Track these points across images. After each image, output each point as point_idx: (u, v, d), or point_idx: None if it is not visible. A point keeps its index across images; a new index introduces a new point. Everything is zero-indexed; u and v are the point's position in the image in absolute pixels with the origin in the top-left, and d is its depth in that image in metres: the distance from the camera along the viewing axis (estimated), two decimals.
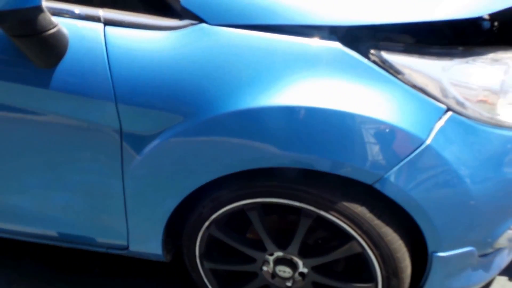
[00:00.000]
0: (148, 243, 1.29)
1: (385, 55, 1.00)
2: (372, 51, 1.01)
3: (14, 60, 1.07)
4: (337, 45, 0.99)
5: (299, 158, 1.01)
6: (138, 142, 1.09)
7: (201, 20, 1.02)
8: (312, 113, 0.97)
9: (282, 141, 1.01)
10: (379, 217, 1.06)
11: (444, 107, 0.98)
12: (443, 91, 0.99)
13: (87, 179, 1.21)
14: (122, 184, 1.16)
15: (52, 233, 1.39)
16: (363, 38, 1.01)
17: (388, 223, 1.07)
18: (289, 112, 0.98)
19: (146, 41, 1.03)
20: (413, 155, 0.97)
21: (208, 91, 1.01)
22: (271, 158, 1.02)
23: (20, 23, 0.96)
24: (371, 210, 1.06)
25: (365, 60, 0.99)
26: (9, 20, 0.95)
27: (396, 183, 0.99)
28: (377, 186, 1.00)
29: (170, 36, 1.03)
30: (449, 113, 0.98)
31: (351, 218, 1.06)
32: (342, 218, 1.07)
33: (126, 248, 1.33)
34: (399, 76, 0.98)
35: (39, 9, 0.97)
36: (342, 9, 1.00)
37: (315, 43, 0.99)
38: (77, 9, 1.06)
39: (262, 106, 0.98)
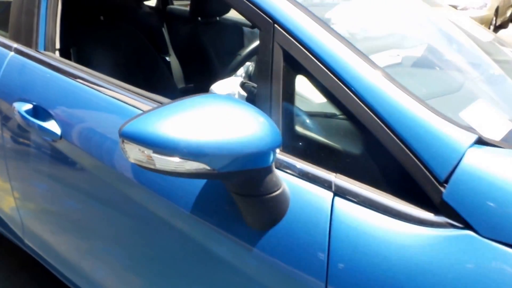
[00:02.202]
0: None
1: None
2: None
3: (226, 210, 1.00)
4: None
5: None
6: None
7: (466, 225, 0.78)
8: None
9: None
10: None
11: None
12: None
13: None
14: None
15: None
16: None
17: None
18: None
19: (381, 227, 0.84)
20: None
21: None
22: None
23: (244, 182, 0.88)
24: None
25: None
26: (235, 179, 0.88)
27: None
28: None
29: (414, 230, 0.82)
30: None
31: None
32: None
33: None
34: None
35: (268, 170, 0.88)
36: None
37: None
38: (309, 168, 0.93)
39: None
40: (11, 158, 1.62)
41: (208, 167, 0.81)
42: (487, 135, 0.89)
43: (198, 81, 2.70)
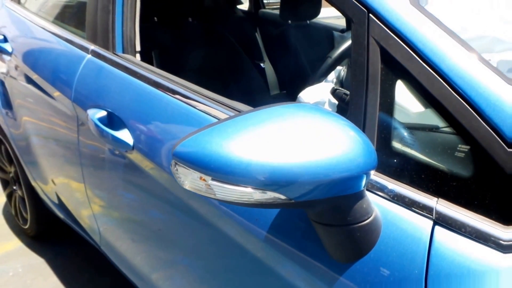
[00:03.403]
0: None
1: None
2: None
3: (303, 236, 0.91)
4: None
5: None
6: None
7: None
8: None
9: None
10: None
11: None
12: None
13: None
14: None
15: None
16: None
17: None
18: None
19: (492, 265, 0.71)
20: None
21: None
22: None
23: (327, 210, 0.78)
24: None
25: None
26: (319, 207, 0.77)
27: None
28: None
29: None
30: None
31: None
32: None
33: None
34: None
35: (358, 196, 0.76)
36: None
37: None
38: (407, 191, 0.81)
39: None
40: (86, 165, 1.67)
41: (282, 197, 0.71)
42: None
43: (290, 87, 2.68)
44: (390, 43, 0.85)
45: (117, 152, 1.43)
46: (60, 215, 2.24)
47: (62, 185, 2.03)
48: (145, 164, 1.30)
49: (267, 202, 0.71)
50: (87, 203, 1.79)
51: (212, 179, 0.70)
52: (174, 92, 1.25)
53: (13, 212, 2.79)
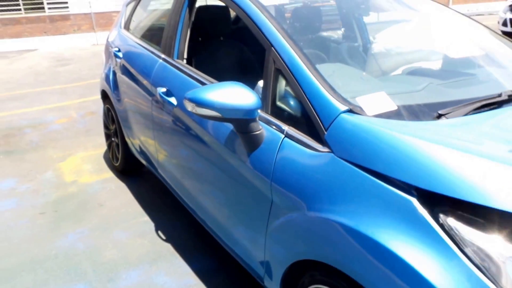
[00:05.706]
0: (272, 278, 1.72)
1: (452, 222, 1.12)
2: (441, 215, 1.14)
3: (237, 142, 1.77)
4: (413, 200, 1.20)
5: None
6: (278, 213, 1.59)
7: (332, 151, 1.43)
8: (367, 242, 1.23)
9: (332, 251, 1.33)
10: None
11: None
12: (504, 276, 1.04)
13: (244, 217, 1.81)
14: (264, 237, 1.68)
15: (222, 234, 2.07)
16: (438, 203, 1.15)
17: None
18: (348, 231, 1.28)
19: (300, 152, 1.52)
20: None
21: (317, 195, 1.42)
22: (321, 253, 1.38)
23: (241, 125, 1.64)
24: None
25: (432, 222, 1.14)
26: (235, 122, 1.64)
27: None
28: None
29: (314, 155, 1.48)
30: None
31: None
32: None
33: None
34: (465, 249, 1.08)
35: (254, 120, 1.62)
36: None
37: (393, 195, 1.23)
38: (277, 122, 1.65)
39: (327, 218, 1.35)
40: (156, 124, 2.53)
41: (219, 115, 1.59)
42: (367, 110, 1.48)
43: None
44: (277, 60, 1.69)
45: (169, 111, 2.30)
46: (140, 157, 3.09)
47: (143, 139, 2.83)
48: (181, 115, 2.19)
49: (214, 116, 1.60)
50: (155, 148, 2.65)
51: (196, 106, 1.60)
52: (199, 81, 2.13)
53: (110, 156, 3.65)
